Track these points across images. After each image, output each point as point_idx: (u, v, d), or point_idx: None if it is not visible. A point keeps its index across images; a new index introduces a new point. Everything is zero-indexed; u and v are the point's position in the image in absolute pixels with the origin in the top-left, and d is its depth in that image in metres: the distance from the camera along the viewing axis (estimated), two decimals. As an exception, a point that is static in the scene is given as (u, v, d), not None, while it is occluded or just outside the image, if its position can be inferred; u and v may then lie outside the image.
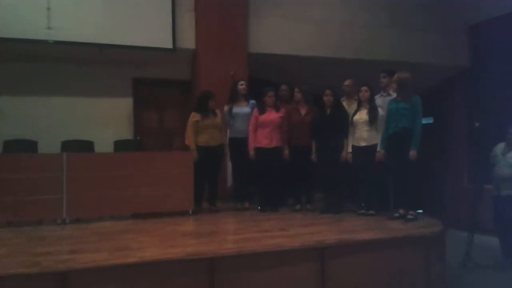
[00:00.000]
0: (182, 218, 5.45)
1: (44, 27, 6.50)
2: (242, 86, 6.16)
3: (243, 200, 6.14)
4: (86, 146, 6.49)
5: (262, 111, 5.93)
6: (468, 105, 9.22)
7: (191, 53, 7.51)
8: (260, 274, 3.70)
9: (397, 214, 5.12)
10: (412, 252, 4.28)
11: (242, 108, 6.09)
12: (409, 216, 5.02)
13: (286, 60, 7.91)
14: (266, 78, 7.68)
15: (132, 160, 5.51)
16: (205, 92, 6.04)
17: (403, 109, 5.13)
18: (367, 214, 5.37)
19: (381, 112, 5.44)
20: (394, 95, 5.50)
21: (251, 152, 5.89)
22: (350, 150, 5.55)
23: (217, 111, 6.00)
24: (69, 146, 6.35)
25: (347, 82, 6.08)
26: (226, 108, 6.11)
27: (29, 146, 6.32)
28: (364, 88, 5.55)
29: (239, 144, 6.01)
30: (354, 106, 5.75)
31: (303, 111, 5.90)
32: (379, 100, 5.74)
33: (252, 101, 6.18)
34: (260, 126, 5.89)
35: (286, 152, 5.88)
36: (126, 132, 7.43)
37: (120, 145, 6.69)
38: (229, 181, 6.60)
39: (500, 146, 6.11)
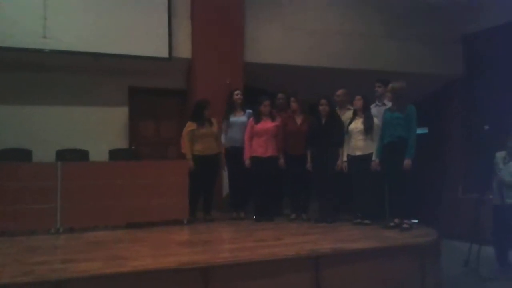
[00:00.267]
0: (177, 228, 5.44)
1: (40, 36, 6.51)
2: (237, 96, 6.17)
3: (239, 210, 6.12)
4: (81, 155, 6.49)
5: (257, 120, 5.94)
6: (462, 115, 9.26)
7: (187, 62, 7.53)
8: (255, 283, 3.67)
9: (392, 223, 5.12)
10: (407, 261, 4.27)
11: (239, 118, 6.11)
12: (404, 225, 5.02)
13: (282, 70, 7.94)
14: (263, 88, 7.70)
15: (126, 169, 5.50)
16: (201, 101, 6.04)
17: (398, 119, 5.15)
18: (362, 223, 5.37)
19: (376, 121, 5.46)
20: (389, 104, 5.53)
21: (247, 161, 5.89)
22: (345, 159, 5.56)
23: (213, 120, 6.00)
24: (64, 155, 6.34)
25: (338, 92, 6.11)
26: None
27: (24, 155, 6.32)
28: (357, 97, 5.59)
29: (235, 153, 6.01)
30: (347, 115, 5.79)
31: (298, 120, 5.91)
32: (374, 109, 5.77)
33: (249, 111, 6.20)
34: (256, 135, 5.91)
35: (282, 161, 5.89)
36: (121, 141, 7.41)
37: (115, 154, 6.67)
38: (225, 190, 6.58)
39: (501, 155, 6.00)
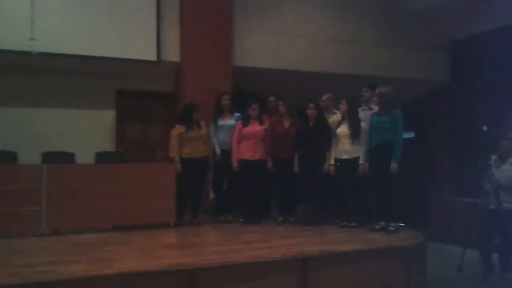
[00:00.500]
0: (163, 231, 5.41)
1: (27, 38, 6.46)
2: (225, 101, 6.19)
3: (226, 213, 6.12)
4: (67, 157, 6.44)
5: (245, 123, 5.96)
6: (448, 120, 9.37)
7: (175, 66, 7.51)
8: (242, 285, 3.67)
9: (378, 226, 5.16)
10: (393, 264, 4.30)
11: (227, 121, 6.13)
12: (390, 228, 5.06)
13: (271, 74, 7.97)
14: (251, 91, 7.72)
15: (113, 172, 5.47)
16: (190, 104, 6.04)
17: (385, 123, 5.20)
18: (349, 226, 5.40)
19: (363, 125, 5.50)
20: (375, 108, 5.58)
21: (235, 164, 5.89)
22: (332, 162, 5.59)
23: (202, 123, 6.00)
24: (49, 157, 6.30)
25: (323, 97, 6.13)
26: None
27: (9, 157, 6.26)
28: (343, 101, 5.64)
29: (223, 156, 6.02)
30: (332, 119, 5.84)
31: (286, 124, 5.93)
32: (361, 113, 5.80)
33: (237, 114, 6.21)
34: (244, 138, 5.92)
35: (269, 164, 5.90)
36: (108, 144, 7.37)
37: (101, 157, 6.64)
38: (212, 193, 6.58)
39: (493, 158, 6.02)
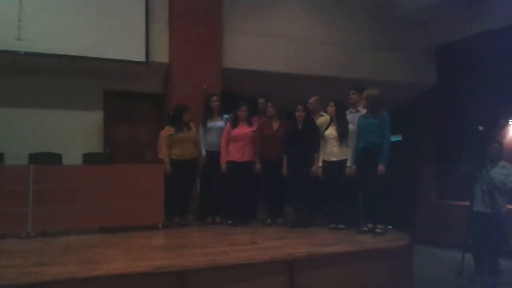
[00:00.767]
0: (151, 232, 5.38)
1: (14, 37, 6.40)
2: (214, 102, 6.19)
3: (214, 215, 6.11)
4: (54, 158, 6.36)
5: (234, 125, 5.96)
6: (435, 123, 9.47)
7: (164, 67, 7.50)
8: (230, 287, 3.67)
9: (365, 228, 5.20)
10: (380, 265, 4.32)
11: (216, 123, 6.13)
12: (378, 230, 5.09)
13: (260, 76, 7.98)
14: (240, 93, 7.73)
15: (100, 173, 5.44)
16: (180, 105, 6.04)
17: (372, 125, 5.24)
18: (337, 228, 5.43)
19: (351, 127, 5.54)
20: (363, 111, 5.62)
21: (223, 166, 5.89)
22: (320, 164, 5.62)
23: (192, 124, 5.99)
24: (36, 158, 6.22)
25: (310, 100, 6.15)
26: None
27: (-5, 157, 6.18)
28: (331, 103, 5.66)
29: (211, 157, 6.02)
30: (320, 121, 5.88)
31: (275, 126, 5.95)
32: (348, 116, 5.84)
33: (226, 115, 6.22)
34: (232, 140, 5.92)
35: (258, 166, 5.91)
36: (96, 145, 7.33)
37: (89, 158, 6.57)
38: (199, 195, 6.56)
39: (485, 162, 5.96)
